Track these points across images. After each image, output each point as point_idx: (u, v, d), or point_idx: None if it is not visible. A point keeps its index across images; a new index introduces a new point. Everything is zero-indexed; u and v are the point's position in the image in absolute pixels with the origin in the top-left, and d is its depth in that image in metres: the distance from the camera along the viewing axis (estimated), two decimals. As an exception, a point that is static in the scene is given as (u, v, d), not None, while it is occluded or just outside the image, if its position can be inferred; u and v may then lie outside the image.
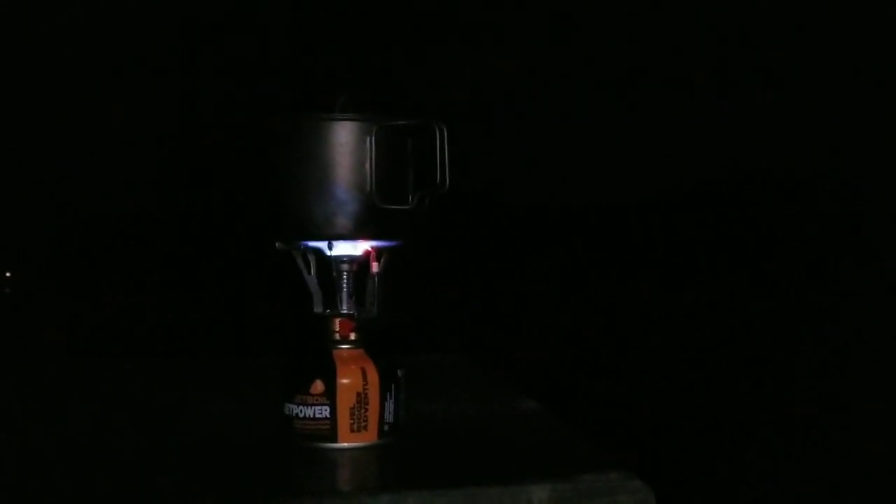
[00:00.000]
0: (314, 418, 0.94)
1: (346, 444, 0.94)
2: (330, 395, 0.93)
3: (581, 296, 4.97)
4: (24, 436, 1.05)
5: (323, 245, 0.96)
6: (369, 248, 0.97)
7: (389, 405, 0.96)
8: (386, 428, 0.95)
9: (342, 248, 0.97)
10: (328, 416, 0.93)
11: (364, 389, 0.94)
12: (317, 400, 0.94)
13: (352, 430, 0.94)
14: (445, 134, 0.95)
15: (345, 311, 0.98)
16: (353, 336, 0.97)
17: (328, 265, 0.98)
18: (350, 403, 0.94)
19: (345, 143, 0.95)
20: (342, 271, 0.98)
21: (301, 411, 0.94)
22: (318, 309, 0.99)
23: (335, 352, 0.96)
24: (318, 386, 0.94)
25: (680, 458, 3.04)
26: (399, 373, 0.97)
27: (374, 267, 0.97)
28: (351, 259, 0.98)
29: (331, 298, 0.99)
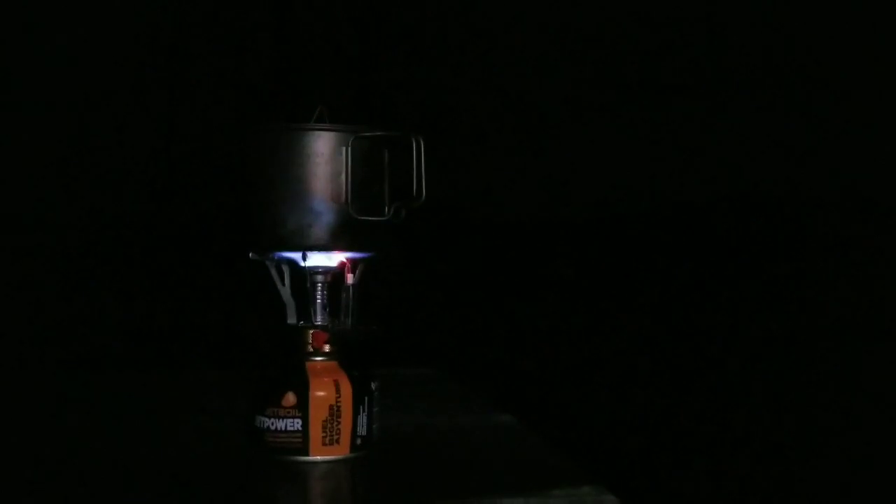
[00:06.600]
0: (285, 431, 0.93)
1: (317, 458, 0.93)
2: (302, 407, 0.93)
3: (557, 310, 4.99)
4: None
5: (297, 256, 0.95)
6: (344, 260, 0.96)
7: (362, 418, 0.95)
8: (358, 441, 0.95)
9: (317, 259, 0.96)
10: (300, 428, 0.92)
11: (337, 402, 0.93)
12: (288, 412, 0.93)
13: (324, 444, 0.93)
14: (422, 145, 0.95)
15: (318, 323, 0.97)
16: (326, 348, 0.96)
17: (302, 276, 0.98)
18: (323, 416, 0.93)
19: (321, 153, 0.94)
20: (316, 282, 0.97)
21: (272, 424, 0.93)
22: (291, 320, 0.98)
23: (308, 364, 0.95)
24: (291, 398, 0.93)
25: (655, 474, 3.05)
26: (373, 385, 0.97)
27: (349, 278, 0.96)
28: (325, 270, 0.97)
29: (304, 310, 0.98)
